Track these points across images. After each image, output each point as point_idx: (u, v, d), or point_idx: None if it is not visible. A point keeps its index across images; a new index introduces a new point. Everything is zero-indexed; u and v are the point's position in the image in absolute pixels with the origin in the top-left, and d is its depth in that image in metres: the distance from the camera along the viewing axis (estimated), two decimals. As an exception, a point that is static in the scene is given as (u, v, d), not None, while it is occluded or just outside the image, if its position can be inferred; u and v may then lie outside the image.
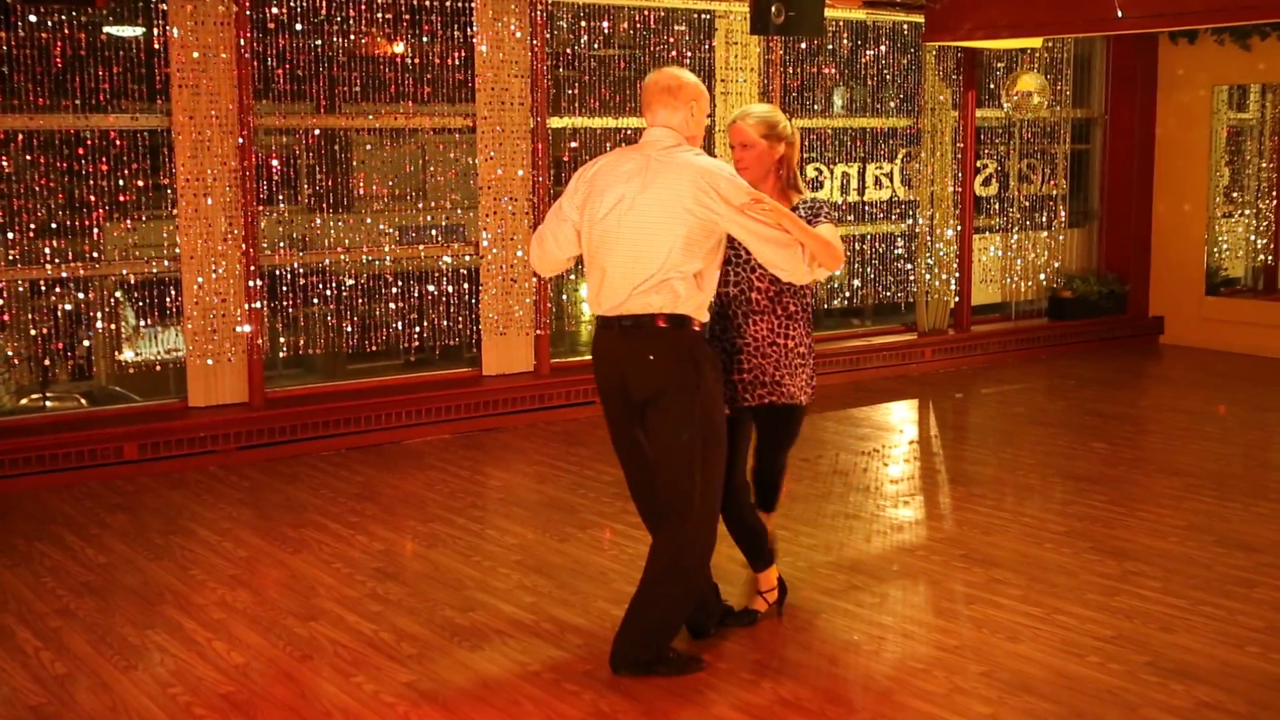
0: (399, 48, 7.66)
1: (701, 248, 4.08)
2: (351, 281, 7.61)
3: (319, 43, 7.34)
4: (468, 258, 7.98)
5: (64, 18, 6.59)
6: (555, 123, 8.20)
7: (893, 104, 9.74)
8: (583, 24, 8.27)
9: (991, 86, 10.20)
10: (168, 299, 7.12)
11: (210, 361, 7.14)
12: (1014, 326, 10.50)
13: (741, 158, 4.45)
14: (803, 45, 9.18)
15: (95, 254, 6.88)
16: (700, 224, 4.05)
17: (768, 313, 4.45)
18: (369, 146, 7.71)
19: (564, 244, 4.26)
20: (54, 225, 6.78)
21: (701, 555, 4.22)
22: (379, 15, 7.53)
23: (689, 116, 4.18)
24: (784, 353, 4.46)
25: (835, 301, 9.72)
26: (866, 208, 9.69)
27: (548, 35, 8.05)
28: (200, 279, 7.07)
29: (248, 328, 7.18)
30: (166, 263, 7.08)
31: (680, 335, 4.10)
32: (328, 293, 7.55)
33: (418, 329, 7.85)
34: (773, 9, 7.42)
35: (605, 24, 8.35)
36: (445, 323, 7.94)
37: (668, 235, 4.04)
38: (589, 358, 8.56)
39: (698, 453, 4.11)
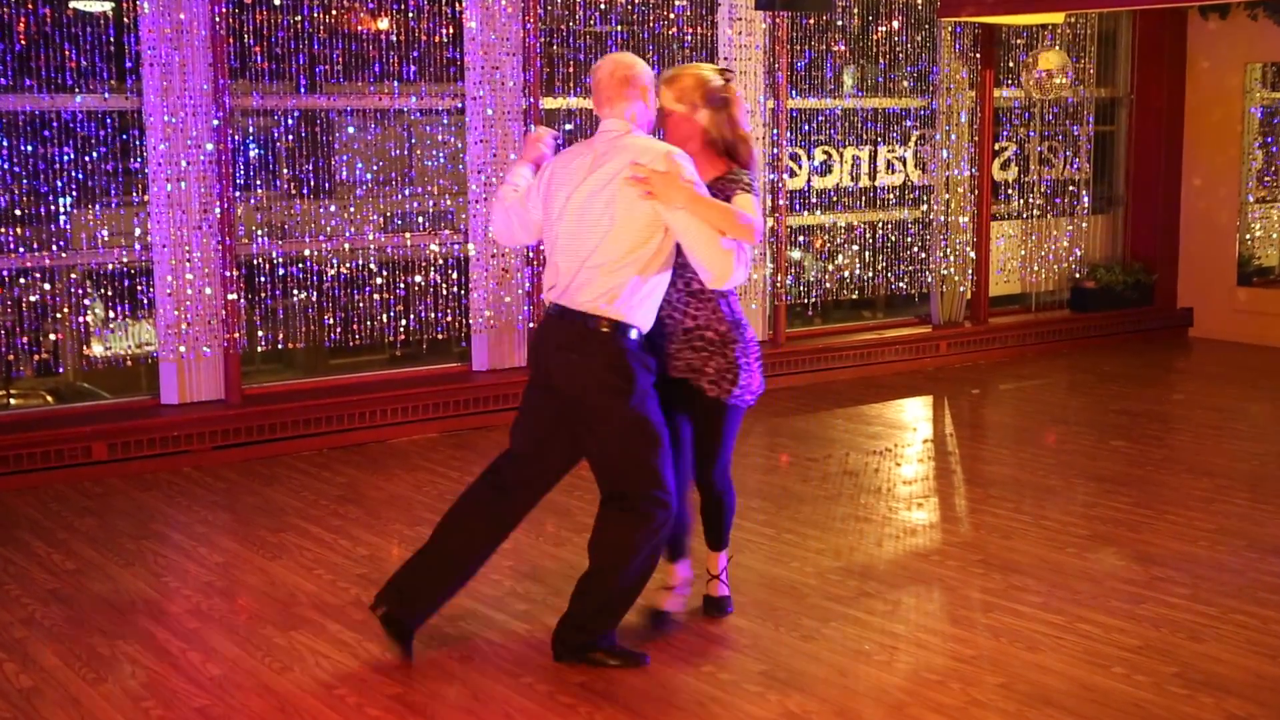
0: (383, 24, 7.65)
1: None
2: (334, 271, 7.61)
3: (298, 18, 7.33)
4: (456, 246, 7.98)
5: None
6: (549, 104, 8.20)
7: (906, 83, 9.74)
8: (578, -2, 8.26)
9: (1011, 65, 10.19)
10: (139, 290, 7.12)
11: (184, 351, 7.14)
12: (1034, 319, 10.50)
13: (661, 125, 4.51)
14: (810, 21, 9.17)
15: (62, 242, 6.87)
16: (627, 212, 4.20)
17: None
18: (352, 129, 7.70)
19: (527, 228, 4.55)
20: (17, 212, 6.77)
21: None
22: (362, -11, 7.53)
23: (645, 106, 4.37)
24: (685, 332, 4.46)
25: (845, 293, 9.73)
26: (878, 193, 9.70)
27: (541, 11, 8.04)
28: (173, 269, 7.06)
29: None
30: (138, 251, 7.07)
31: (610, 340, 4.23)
32: (309, 283, 7.55)
33: (404, 322, 7.85)
34: (779, -18, 7.42)
35: (602, -2, 8.35)
36: (433, 315, 7.94)
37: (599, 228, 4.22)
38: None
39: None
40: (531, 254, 8.08)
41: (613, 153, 4.22)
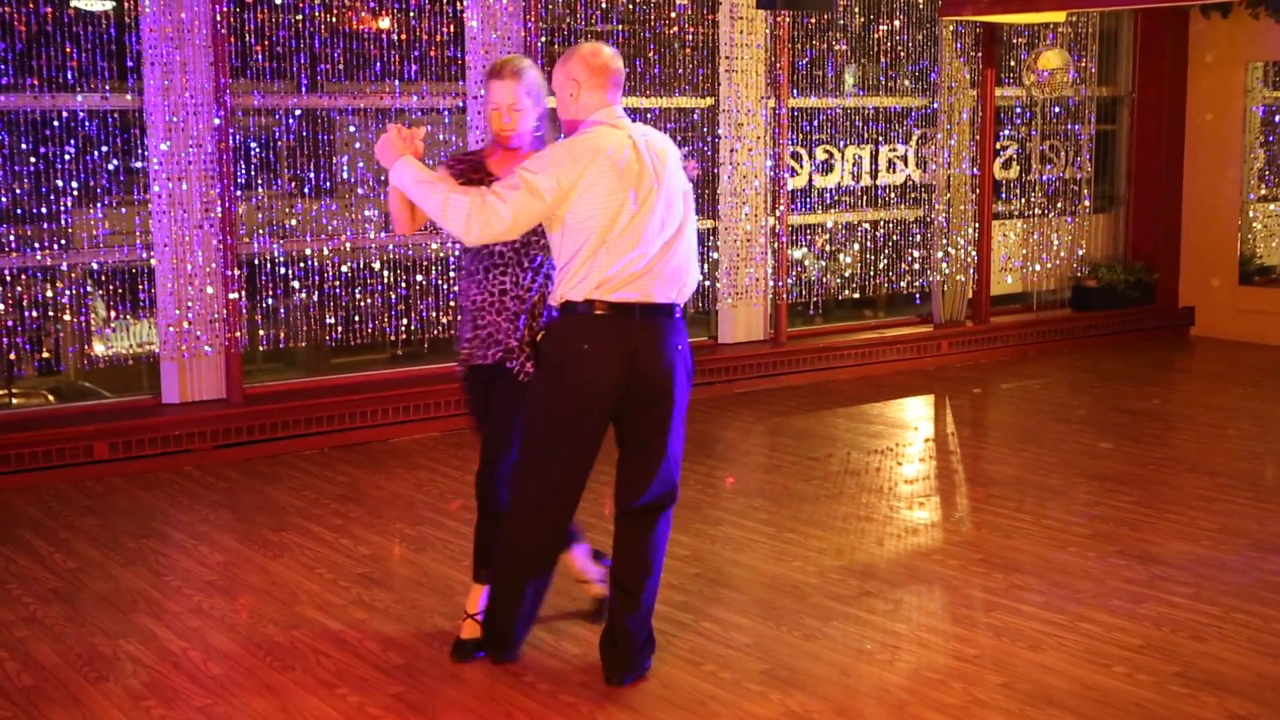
0: (384, 23, 7.65)
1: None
2: (335, 271, 7.61)
3: (300, 17, 7.33)
4: (457, 245, 7.97)
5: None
6: (551, 103, 8.17)
7: (907, 83, 9.73)
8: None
9: (1012, 64, 10.19)
10: (140, 289, 7.12)
11: (185, 351, 7.14)
12: (1035, 318, 10.49)
13: (513, 121, 4.49)
14: (812, 20, 9.17)
15: (63, 242, 6.87)
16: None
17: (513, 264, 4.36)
18: (353, 128, 7.70)
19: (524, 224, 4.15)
20: (19, 211, 6.77)
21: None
22: (363, -12, 7.52)
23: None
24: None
25: (847, 292, 9.72)
26: (880, 192, 9.69)
27: (542, 10, 8.03)
28: (175, 268, 7.06)
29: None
30: (139, 250, 7.07)
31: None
32: (310, 282, 7.55)
33: (405, 321, 7.84)
34: (780, -19, 7.42)
35: (603, -3, 8.35)
36: (434, 314, 7.94)
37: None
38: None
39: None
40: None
41: (654, 140, 4.23)
